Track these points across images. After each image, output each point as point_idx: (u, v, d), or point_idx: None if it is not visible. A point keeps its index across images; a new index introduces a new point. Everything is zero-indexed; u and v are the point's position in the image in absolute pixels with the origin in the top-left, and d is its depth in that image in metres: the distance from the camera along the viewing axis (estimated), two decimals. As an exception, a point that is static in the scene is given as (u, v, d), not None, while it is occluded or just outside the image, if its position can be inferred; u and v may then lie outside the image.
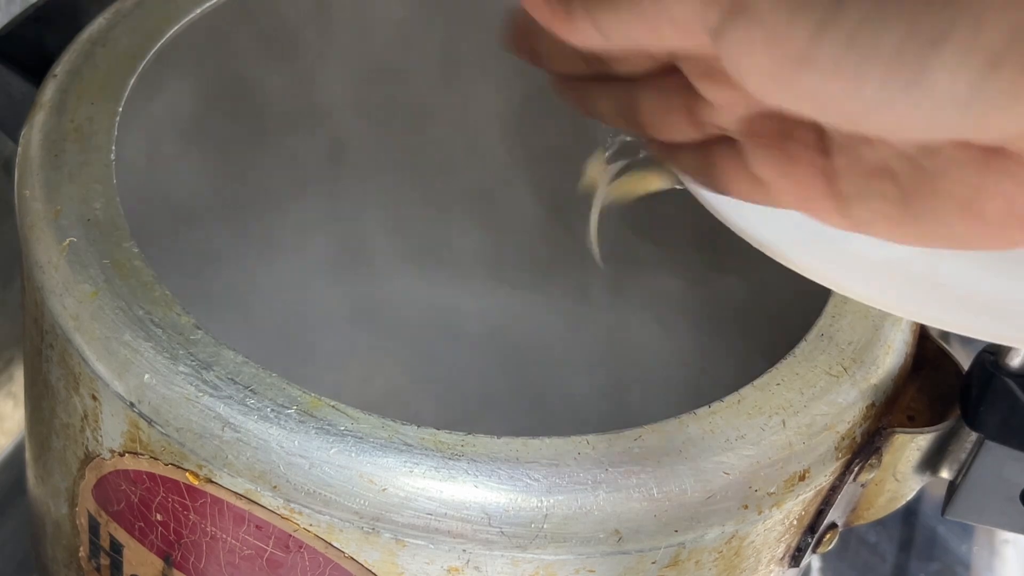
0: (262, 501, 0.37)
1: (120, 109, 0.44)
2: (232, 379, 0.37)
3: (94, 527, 0.42)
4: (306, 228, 0.64)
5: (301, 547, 0.37)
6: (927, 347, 0.45)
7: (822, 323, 0.42)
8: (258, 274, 0.64)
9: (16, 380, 0.63)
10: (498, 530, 0.36)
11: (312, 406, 0.37)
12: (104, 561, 0.43)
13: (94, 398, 0.39)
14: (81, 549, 0.44)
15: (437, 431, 0.36)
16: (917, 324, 0.44)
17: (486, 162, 0.61)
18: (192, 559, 0.40)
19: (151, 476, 0.39)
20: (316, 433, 0.36)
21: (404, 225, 0.66)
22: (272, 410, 0.36)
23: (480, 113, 0.60)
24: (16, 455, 0.62)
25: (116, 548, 0.42)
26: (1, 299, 0.60)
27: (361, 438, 0.36)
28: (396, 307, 0.67)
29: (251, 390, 0.37)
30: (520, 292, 0.66)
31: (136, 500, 0.40)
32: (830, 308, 0.43)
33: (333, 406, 0.37)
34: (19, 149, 0.43)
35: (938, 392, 0.44)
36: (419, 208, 0.65)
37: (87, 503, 0.42)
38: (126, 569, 0.42)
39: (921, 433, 0.42)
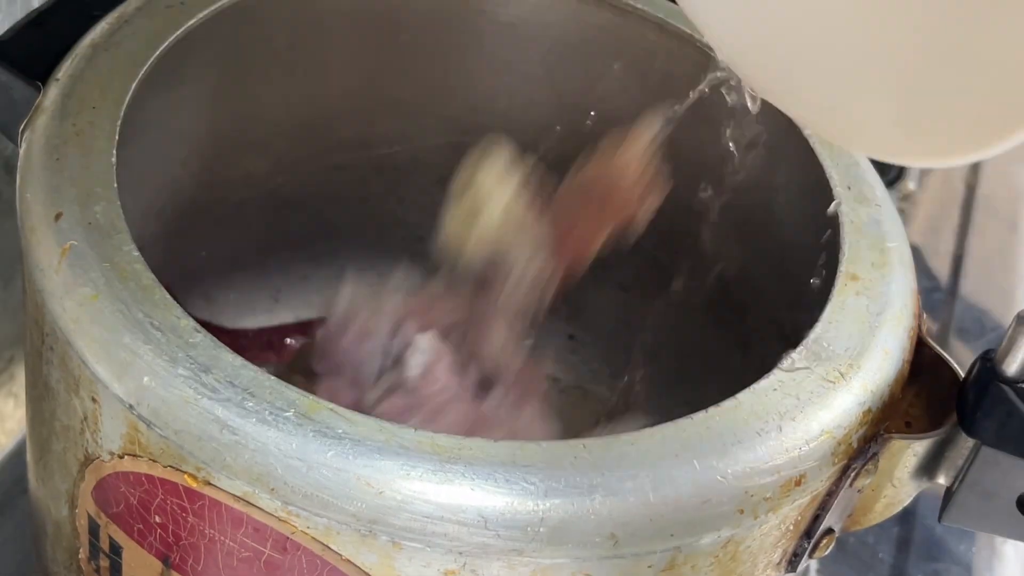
0: (260, 503, 0.37)
1: (122, 114, 0.44)
2: (231, 382, 0.37)
3: (94, 529, 0.43)
4: (306, 234, 0.64)
5: (299, 549, 0.38)
6: (925, 353, 0.45)
7: (819, 329, 0.42)
8: (259, 278, 0.64)
9: (17, 380, 0.63)
10: (494, 533, 0.36)
11: (310, 409, 0.37)
12: (103, 563, 0.43)
13: (94, 400, 0.39)
14: (81, 551, 0.44)
15: (434, 434, 0.36)
16: (915, 330, 0.44)
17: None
18: (191, 561, 0.40)
19: (150, 478, 0.39)
20: (313, 436, 0.36)
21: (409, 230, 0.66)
22: (270, 413, 0.37)
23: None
24: (17, 455, 0.63)
25: (115, 550, 0.42)
26: (1, 299, 0.61)
27: (358, 441, 0.36)
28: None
29: (249, 393, 0.37)
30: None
31: (135, 502, 0.40)
32: (827, 314, 0.43)
33: (331, 409, 0.37)
34: (21, 152, 0.44)
35: (935, 398, 0.44)
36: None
37: (87, 505, 0.42)
38: (125, 571, 0.42)
39: (918, 439, 0.42)
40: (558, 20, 0.57)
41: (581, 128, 0.61)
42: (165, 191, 0.55)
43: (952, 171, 0.92)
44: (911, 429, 0.43)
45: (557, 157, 0.62)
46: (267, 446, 0.36)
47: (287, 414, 0.37)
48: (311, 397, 0.37)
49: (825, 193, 0.48)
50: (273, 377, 0.38)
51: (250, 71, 0.56)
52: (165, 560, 0.41)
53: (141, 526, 0.41)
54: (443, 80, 0.60)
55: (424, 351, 0.57)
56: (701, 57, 0.54)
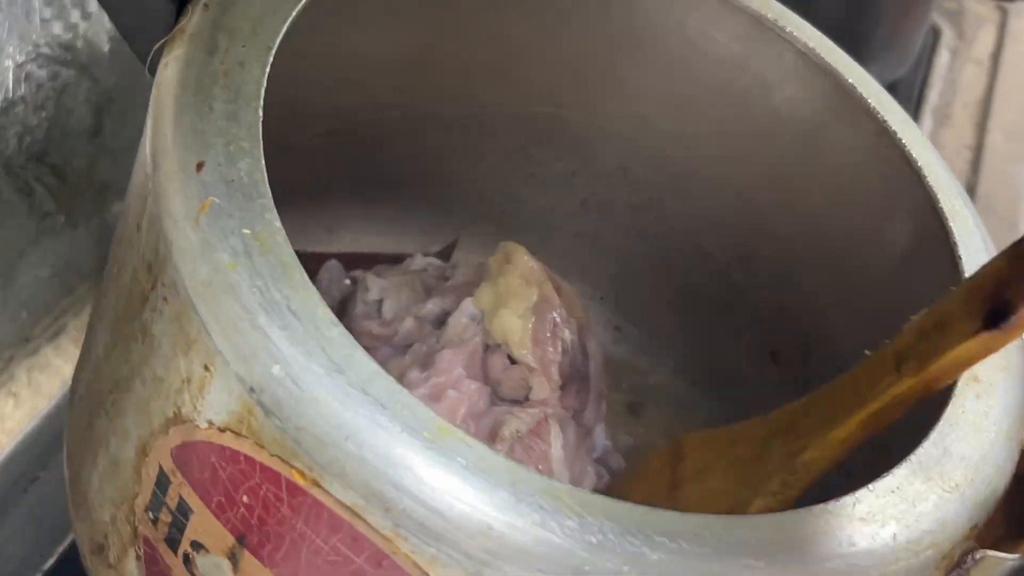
0: (368, 518, 0.35)
1: (271, 58, 0.41)
2: (364, 390, 0.35)
3: (162, 483, 0.41)
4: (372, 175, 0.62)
5: (396, 569, 0.36)
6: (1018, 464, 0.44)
7: (941, 430, 0.41)
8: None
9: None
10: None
11: (441, 433, 0.35)
12: (165, 517, 0.41)
13: (206, 369, 0.37)
14: (139, 497, 0.42)
15: (573, 489, 0.35)
16: (1022, 443, 0.44)
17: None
18: (269, 547, 0.39)
19: (250, 460, 0.37)
20: (444, 464, 0.35)
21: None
22: (402, 431, 0.35)
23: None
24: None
25: (183, 510, 0.40)
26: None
27: (488, 476, 0.35)
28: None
29: (382, 405, 0.35)
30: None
31: (224, 476, 0.38)
32: (948, 415, 0.42)
33: (462, 439, 0.35)
34: (157, 78, 0.41)
35: (1016, 510, 0.43)
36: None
37: (162, 458, 0.40)
38: (189, 532, 0.41)
39: (1011, 559, 0.42)
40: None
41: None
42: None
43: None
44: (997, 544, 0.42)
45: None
46: (395, 466, 0.35)
47: (421, 435, 0.35)
48: (443, 421, 0.35)
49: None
50: (405, 390, 0.36)
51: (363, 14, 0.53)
52: (240, 538, 0.39)
53: (223, 499, 0.39)
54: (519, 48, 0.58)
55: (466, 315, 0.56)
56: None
